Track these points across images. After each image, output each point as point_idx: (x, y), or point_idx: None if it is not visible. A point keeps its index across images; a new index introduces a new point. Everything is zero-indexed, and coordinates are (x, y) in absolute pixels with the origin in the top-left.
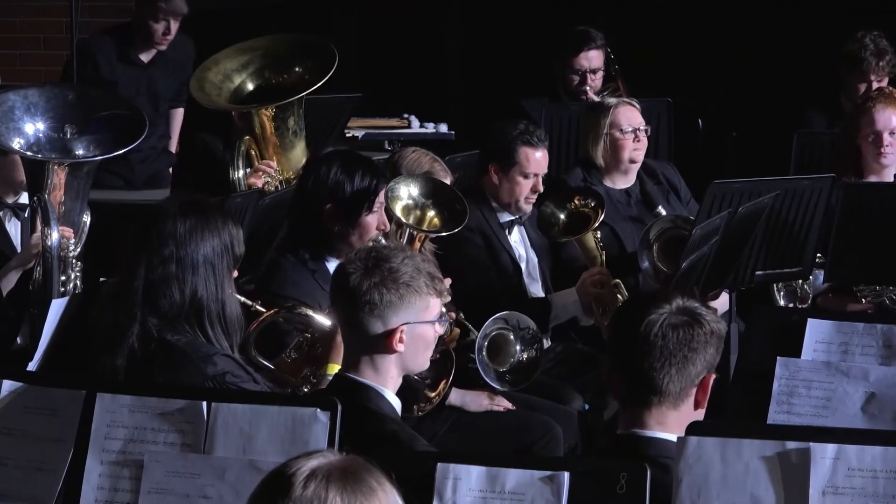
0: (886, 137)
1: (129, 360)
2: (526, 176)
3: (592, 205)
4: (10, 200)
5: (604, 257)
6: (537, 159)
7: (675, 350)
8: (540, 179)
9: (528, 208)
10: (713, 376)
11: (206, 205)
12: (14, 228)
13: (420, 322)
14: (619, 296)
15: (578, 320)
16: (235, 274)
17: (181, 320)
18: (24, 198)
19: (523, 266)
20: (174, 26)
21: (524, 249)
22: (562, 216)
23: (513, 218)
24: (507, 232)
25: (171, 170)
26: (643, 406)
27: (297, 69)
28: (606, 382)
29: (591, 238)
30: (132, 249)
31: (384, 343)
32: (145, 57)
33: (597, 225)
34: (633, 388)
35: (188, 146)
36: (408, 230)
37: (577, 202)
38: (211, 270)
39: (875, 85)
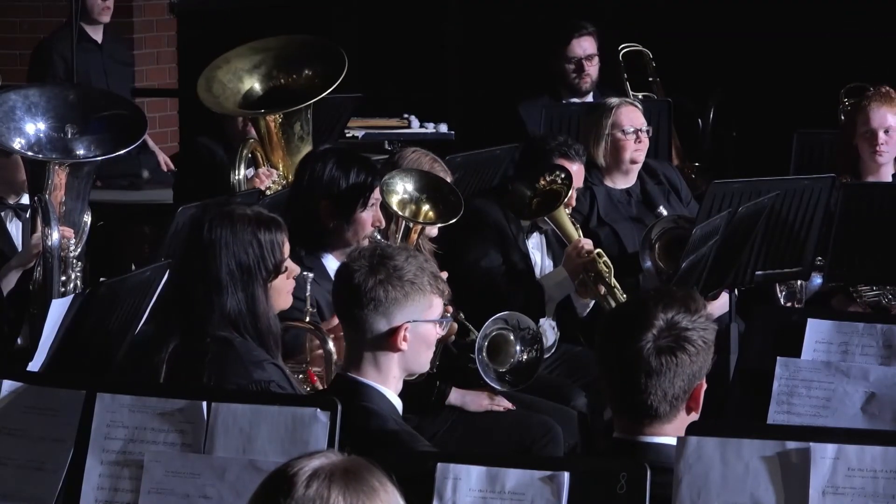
0: (881, 136)
1: (171, 358)
2: None
3: (562, 177)
4: (11, 201)
5: (580, 232)
6: (573, 172)
7: (661, 380)
8: (574, 193)
9: None
10: (704, 385)
11: (235, 216)
12: (15, 229)
13: (424, 321)
14: (602, 266)
15: (577, 311)
16: (293, 274)
17: (219, 332)
18: (25, 199)
19: (536, 272)
20: None
21: (540, 256)
22: (532, 196)
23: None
24: (525, 235)
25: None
26: (636, 422)
27: (306, 72)
28: (600, 388)
29: (563, 213)
30: (177, 262)
31: (388, 341)
32: (96, 35)
33: (567, 199)
34: (625, 408)
35: (188, 151)
36: (404, 223)
37: (544, 182)
38: (238, 284)
39: None
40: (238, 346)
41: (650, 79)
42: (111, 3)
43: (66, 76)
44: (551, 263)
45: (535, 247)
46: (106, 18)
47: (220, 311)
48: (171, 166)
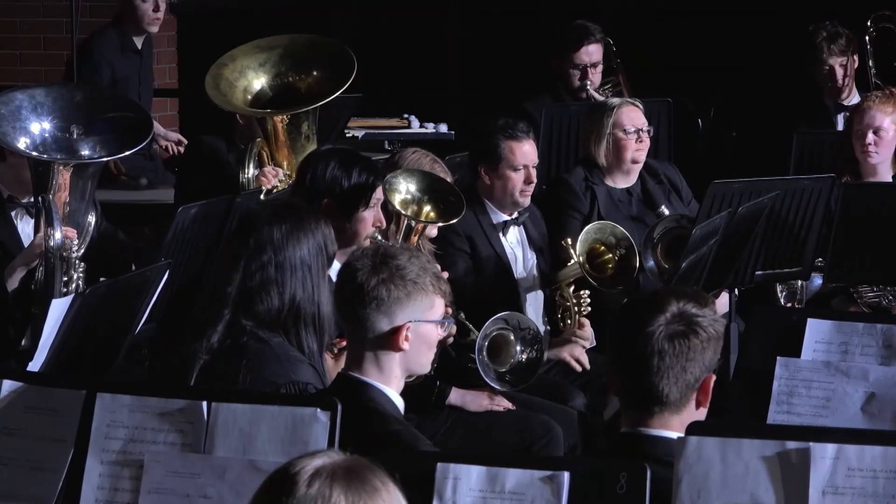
0: (869, 136)
1: (210, 353)
2: (515, 169)
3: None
4: (24, 200)
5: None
6: (524, 151)
7: (672, 363)
8: (532, 170)
9: (525, 201)
10: (713, 377)
11: (299, 207)
12: (27, 227)
13: (425, 321)
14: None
15: None
16: (335, 267)
17: (277, 324)
18: None
19: (518, 267)
20: (162, 4)
21: (521, 250)
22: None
23: (508, 218)
24: (500, 233)
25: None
26: (646, 413)
27: (315, 73)
28: (608, 383)
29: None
30: (224, 255)
31: (389, 341)
32: (139, 43)
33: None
34: (634, 397)
35: (192, 149)
36: (405, 224)
37: (616, 254)
38: (308, 272)
39: (838, 69)
40: (275, 345)
41: (612, 65)
42: (162, 14)
43: (110, 84)
44: (533, 257)
45: (516, 242)
46: (155, 29)
47: (289, 299)
48: (183, 141)
